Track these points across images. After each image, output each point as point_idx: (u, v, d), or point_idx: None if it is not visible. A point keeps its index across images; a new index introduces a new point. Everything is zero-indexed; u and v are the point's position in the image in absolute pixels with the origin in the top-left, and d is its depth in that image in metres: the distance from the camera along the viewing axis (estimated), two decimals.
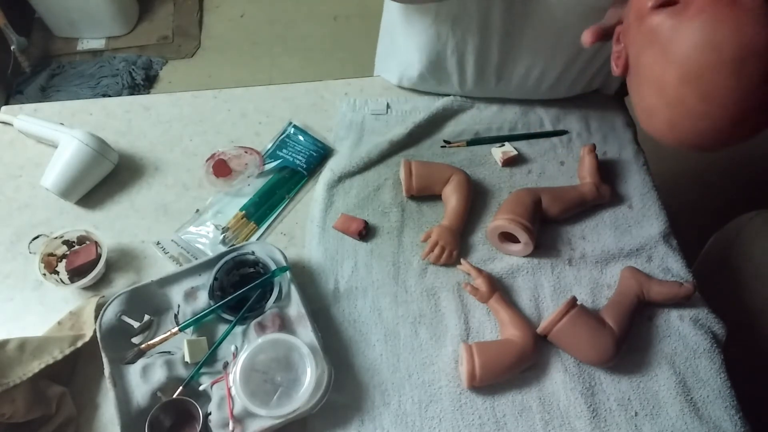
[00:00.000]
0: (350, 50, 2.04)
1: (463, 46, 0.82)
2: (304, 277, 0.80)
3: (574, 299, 0.73)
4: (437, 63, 0.87)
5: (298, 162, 0.89)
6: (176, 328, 0.71)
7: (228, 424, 0.65)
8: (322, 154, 0.90)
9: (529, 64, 0.83)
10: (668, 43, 0.48)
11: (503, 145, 0.90)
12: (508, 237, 0.81)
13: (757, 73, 0.46)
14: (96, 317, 0.72)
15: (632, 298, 0.76)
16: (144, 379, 0.68)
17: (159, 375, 0.68)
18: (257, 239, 0.83)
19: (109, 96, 1.98)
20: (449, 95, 0.94)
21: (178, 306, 0.73)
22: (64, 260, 0.78)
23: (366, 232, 0.83)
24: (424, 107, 0.94)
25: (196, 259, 0.79)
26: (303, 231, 0.85)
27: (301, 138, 0.91)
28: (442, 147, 0.92)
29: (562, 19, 0.74)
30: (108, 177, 0.87)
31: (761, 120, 0.49)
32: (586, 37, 0.58)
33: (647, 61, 0.51)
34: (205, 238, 0.83)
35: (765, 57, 0.46)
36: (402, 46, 0.89)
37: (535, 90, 0.90)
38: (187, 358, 0.69)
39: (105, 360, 0.69)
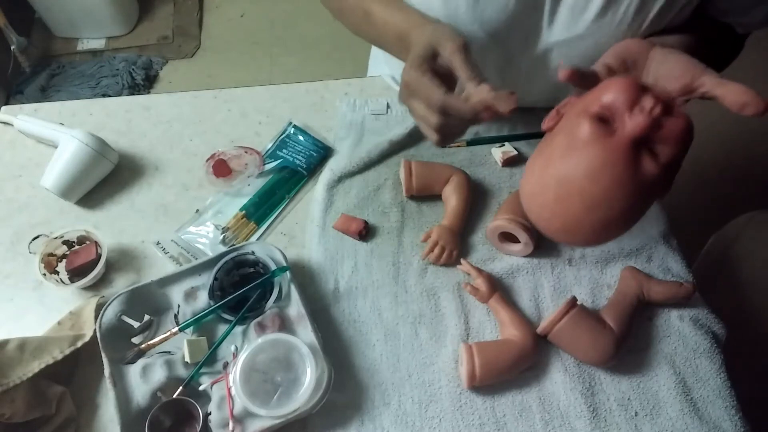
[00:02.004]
0: (350, 50, 2.04)
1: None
2: (304, 277, 0.80)
3: (574, 299, 0.73)
4: None
5: (298, 162, 0.89)
6: (176, 328, 0.71)
7: (228, 424, 0.65)
8: (322, 154, 0.90)
9: (527, 80, 0.84)
10: (574, 149, 0.53)
11: (503, 145, 0.90)
12: (508, 237, 0.81)
13: (604, 216, 0.54)
14: (96, 317, 0.72)
15: (632, 298, 0.76)
16: (144, 379, 0.68)
17: (159, 375, 0.68)
18: (257, 239, 0.83)
19: (109, 96, 1.98)
20: None
21: (178, 306, 0.73)
22: (64, 260, 0.78)
23: (366, 232, 0.83)
24: None
25: (196, 259, 0.79)
26: (303, 231, 0.85)
27: (301, 138, 0.91)
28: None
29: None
30: (108, 177, 0.87)
31: (597, 240, 0.57)
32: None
33: (557, 142, 0.55)
34: (205, 238, 0.83)
35: (604, 208, 0.53)
36: (397, 64, 0.90)
37: (535, 102, 0.90)
38: (187, 358, 0.69)
39: (105, 360, 0.69)
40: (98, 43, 2.18)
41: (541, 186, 0.56)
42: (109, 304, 0.72)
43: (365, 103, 0.95)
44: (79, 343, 0.70)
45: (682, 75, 0.55)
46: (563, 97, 0.84)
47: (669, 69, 0.56)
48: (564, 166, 0.54)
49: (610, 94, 0.52)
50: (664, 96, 0.52)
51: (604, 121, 0.52)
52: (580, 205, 0.53)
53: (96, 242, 0.78)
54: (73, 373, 0.73)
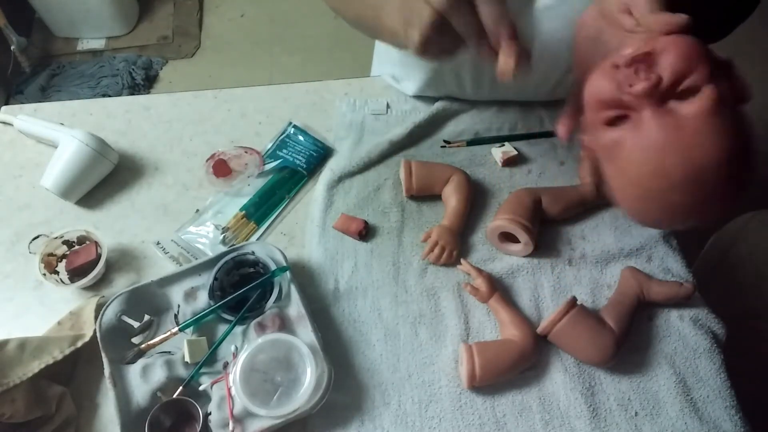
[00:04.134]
0: (350, 50, 2.05)
1: (460, 64, 0.84)
2: (304, 277, 0.80)
3: (574, 299, 0.73)
4: (434, 79, 0.88)
5: (298, 162, 0.89)
6: (176, 328, 0.71)
7: (228, 424, 0.65)
8: (322, 154, 0.90)
9: (526, 83, 0.84)
10: (623, 164, 0.49)
11: (503, 145, 0.90)
12: (508, 237, 0.81)
13: (710, 185, 0.47)
14: (96, 317, 0.72)
15: (632, 298, 0.76)
16: (144, 379, 0.68)
17: (159, 375, 0.68)
18: (257, 239, 0.83)
19: (109, 96, 1.98)
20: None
21: (178, 306, 0.73)
22: (64, 260, 0.78)
23: (366, 232, 0.83)
24: (424, 107, 0.94)
25: (196, 259, 0.79)
26: (303, 231, 0.85)
27: (301, 138, 0.91)
28: (442, 147, 0.92)
29: (557, 36, 0.73)
30: (108, 177, 0.87)
31: (727, 206, 0.51)
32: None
33: (609, 172, 0.52)
34: (205, 238, 0.83)
35: (714, 171, 0.47)
36: (398, 63, 0.90)
37: (535, 94, 0.90)
38: (187, 358, 0.69)
39: (105, 360, 0.69)
40: (98, 43, 2.18)
41: (643, 204, 0.52)
42: (109, 304, 0.72)
43: (365, 103, 0.95)
44: (79, 343, 0.70)
45: None
46: (561, 90, 0.85)
47: None
48: (638, 179, 0.49)
49: (594, 91, 0.49)
50: (635, 53, 0.47)
51: (620, 118, 0.49)
52: (686, 189, 0.47)
53: (96, 242, 0.78)
54: (73, 373, 0.73)
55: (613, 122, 0.49)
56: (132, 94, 2.03)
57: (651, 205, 0.50)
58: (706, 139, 0.46)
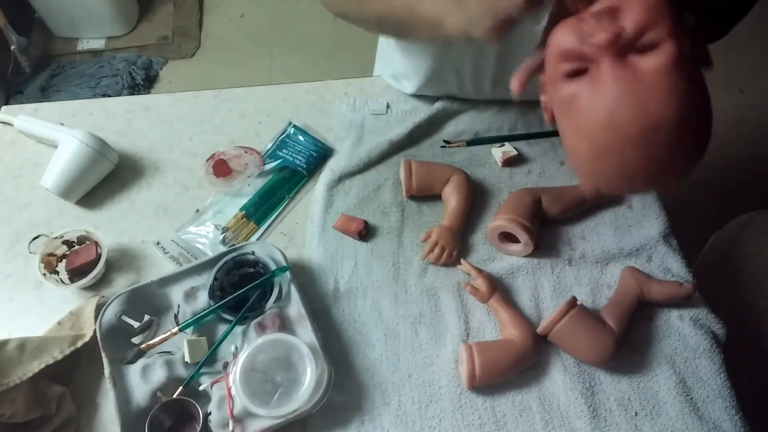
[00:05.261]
0: (350, 50, 2.04)
1: (460, 63, 0.83)
2: (304, 277, 0.80)
3: (574, 299, 0.73)
4: (435, 78, 0.88)
5: (298, 162, 0.89)
6: (176, 328, 0.71)
7: (228, 424, 0.65)
8: (322, 154, 0.90)
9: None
10: (578, 118, 0.48)
11: (503, 145, 0.90)
12: (508, 237, 0.81)
13: (664, 143, 0.46)
14: (96, 317, 0.72)
15: (632, 298, 0.76)
16: (144, 379, 0.68)
17: (159, 375, 0.68)
18: (257, 239, 0.83)
19: (109, 96, 1.98)
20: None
21: (178, 306, 0.73)
22: (64, 260, 0.78)
23: (366, 232, 0.83)
24: (424, 107, 0.94)
25: (196, 259, 0.79)
26: (303, 231, 0.85)
27: (301, 138, 0.91)
28: (442, 147, 0.92)
29: None
30: (108, 177, 0.87)
31: (681, 172, 0.50)
32: (514, 87, 0.55)
33: (564, 127, 0.51)
34: (205, 238, 0.83)
35: (669, 128, 0.46)
36: (399, 62, 0.90)
37: (534, 94, 0.90)
38: (187, 358, 0.69)
39: (105, 360, 0.69)
40: (98, 43, 2.18)
41: (594, 161, 0.50)
42: (109, 304, 0.72)
43: (365, 103, 0.95)
44: (79, 343, 0.70)
45: None
46: None
47: None
48: (589, 132, 0.48)
49: (557, 42, 0.48)
50: (601, 11, 0.46)
51: (579, 71, 0.48)
52: (641, 143, 0.46)
53: (96, 242, 0.78)
54: (73, 373, 0.73)
55: (572, 76, 0.48)
56: (132, 94, 2.02)
57: (603, 163, 0.49)
58: (663, 94, 0.45)
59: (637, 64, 0.45)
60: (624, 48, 0.45)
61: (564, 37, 0.47)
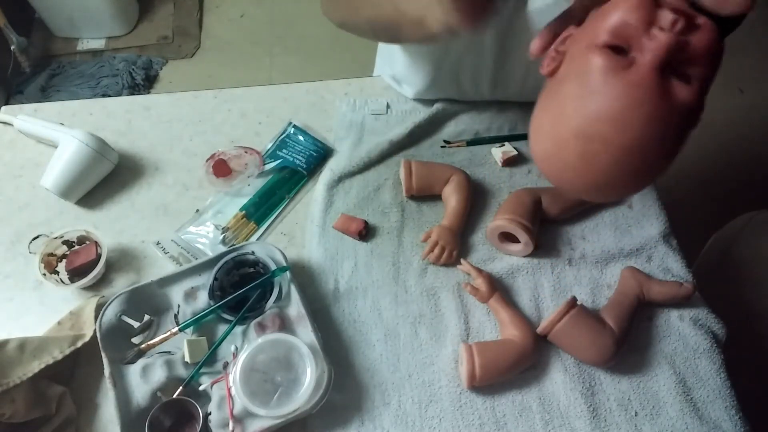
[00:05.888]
0: (350, 50, 2.04)
1: (459, 65, 0.84)
2: (304, 277, 0.80)
3: (574, 299, 0.73)
4: (433, 82, 0.88)
5: (298, 162, 0.89)
6: (176, 328, 0.71)
7: (228, 424, 0.65)
8: (322, 154, 0.90)
9: (525, 73, 0.83)
10: (590, 93, 0.45)
11: (503, 145, 0.90)
12: (508, 237, 0.81)
13: (636, 167, 0.46)
14: (96, 317, 0.72)
15: (632, 298, 0.76)
16: (144, 379, 0.68)
17: (159, 375, 0.68)
18: (257, 239, 0.83)
19: (109, 96, 1.98)
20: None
21: (178, 306, 0.73)
22: (64, 260, 0.78)
23: (366, 232, 0.83)
24: (424, 107, 0.94)
25: (196, 259, 0.79)
26: (303, 231, 0.85)
27: (301, 138, 0.91)
28: (442, 147, 0.92)
29: None
30: (108, 177, 0.87)
31: (626, 189, 0.50)
32: (535, 48, 0.51)
33: (567, 90, 0.47)
34: (205, 238, 0.83)
35: (650, 160, 0.46)
36: (398, 65, 0.90)
37: (534, 94, 0.90)
38: (187, 358, 0.69)
39: (105, 360, 0.69)
40: (98, 43, 2.17)
41: (558, 145, 0.48)
42: (109, 304, 0.72)
43: (365, 103, 0.95)
44: (79, 343, 0.70)
45: None
46: None
47: None
48: (581, 116, 0.45)
49: (618, 14, 0.44)
50: (683, 5, 0.43)
51: (618, 50, 0.44)
52: (609, 158, 0.45)
53: (96, 242, 0.78)
54: (73, 373, 0.73)
55: (609, 49, 0.45)
56: (132, 94, 2.02)
57: (574, 146, 0.47)
58: (670, 127, 0.44)
59: (673, 86, 0.43)
60: (673, 63, 0.43)
61: (628, 15, 0.44)
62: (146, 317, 0.73)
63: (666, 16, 0.43)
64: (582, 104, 0.46)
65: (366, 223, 0.83)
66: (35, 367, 0.66)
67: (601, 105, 0.44)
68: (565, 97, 0.47)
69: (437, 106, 0.93)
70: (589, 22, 0.48)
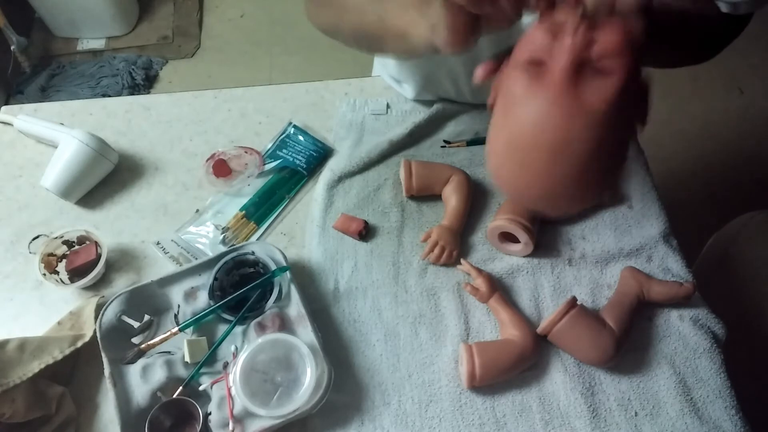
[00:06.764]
0: (350, 50, 2.04)
1: (454, 67, 0.84)
2: (304, 277, 0.80)
3: (574, 299, 0.73)
4: (430, 82, 0.88)
5: (298, 162, 0.89)
6: (176, 328, 0.71)
7: (228, 424, 0.65)
8: (322, 154, 0.90)
9: None
10: (514, 105, 0.48)
11: None
12: (508, 237, 0.81)
13: (565, 174, 0.47)
14: (96, 317, 0.72)
15: (632, 298, 0.76)
16: (144, 379, 0.68)
17: (159, 375, 0.68)
18: (257, 239, 0.83)
19: (109, 96, 1.98)
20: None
21: (178, 306, 0.73)
22: (64, 260, 0.78)
23: (366, 232, 0.83)
24: (424, 107, 0.94)
25: (196, 259, 0.79)
26: (303, 231, 0.85)
27: (301, 138, 0.91)
28: (442, 147, 0.92)
29: None
30: (108, 177, 0.87)
31: (573, 201, 0.51)
32: (478, 74, 0.54)
33: (498, 108, 0.50)
34: (205, 238, 0.83)
35: (578, 153, 0.46)
36: (395, 66, 0.90)
37: None
38: (187, 358, 0.69)
39: (105, 360, 0.69)
40: (98, 43, 2.18)
41: (502, 158, 0.50)
42: (109, 304, 0.72)
43: (365, 103, 0.95)
44: (79, 343, 0.70)
45: None
46: None
47: None
48: (511, 127, 0.48)
49: (531, 32, 0.46)
50: (592, 6, 0.45)
51: (537, 64, 0.46)
52: (545, 160, 0.47)
53: (96, 242, 0.78)
54: (73, 373, 0.73)
55: (528, 66, 0.47)
56: (132, 94, 2.02)
57: (510, 159, 0.49)
58: (587, 125, 0.45)
59: (591, 82, 0.45)
60: (586, 61, 0.45)
61: (538, 29, 0.46)
62: (146, 317, 0.73)
63: (570, 21, 0.45)
64: (510, 116, 0.48)
65: (366, 223, 0.83)
66: (35, 367, 0.66)
67: (525, 113, 0.47)
68: (498, 116, 0.50)
69: (437, 106, 0.93)
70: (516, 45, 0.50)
